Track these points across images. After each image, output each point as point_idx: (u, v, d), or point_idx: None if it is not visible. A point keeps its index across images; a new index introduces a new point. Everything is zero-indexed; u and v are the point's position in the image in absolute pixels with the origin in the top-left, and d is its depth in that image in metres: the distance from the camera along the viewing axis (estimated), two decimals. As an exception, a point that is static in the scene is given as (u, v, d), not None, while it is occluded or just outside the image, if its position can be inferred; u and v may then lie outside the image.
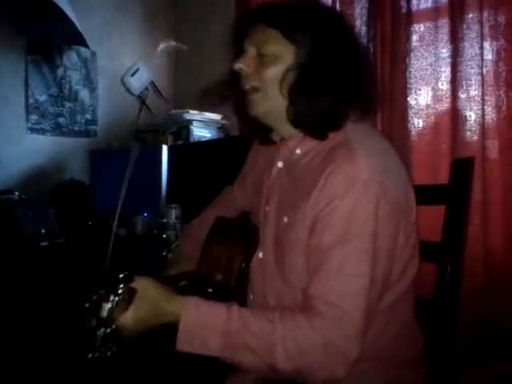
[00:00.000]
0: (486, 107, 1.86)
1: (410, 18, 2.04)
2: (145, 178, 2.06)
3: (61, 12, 2.09)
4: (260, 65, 1.02)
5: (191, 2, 2.94)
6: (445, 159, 1.94)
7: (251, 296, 1.10)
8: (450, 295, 1.11)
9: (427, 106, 2.03)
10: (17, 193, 2.11)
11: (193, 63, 2.90)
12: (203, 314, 0.90)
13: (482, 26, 1.86)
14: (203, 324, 0.89)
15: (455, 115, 1.92)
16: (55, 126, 2.45)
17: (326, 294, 0.89)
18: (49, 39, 2.39)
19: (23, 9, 2.21)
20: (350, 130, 0.99)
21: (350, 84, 0.99)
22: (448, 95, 1.96)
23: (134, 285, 0.87)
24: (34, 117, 2.37)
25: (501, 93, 1.84)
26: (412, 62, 2.03)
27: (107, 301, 0.83)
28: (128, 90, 2.74)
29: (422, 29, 2.05)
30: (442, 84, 1.99)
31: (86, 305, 0.86)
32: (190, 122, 2.42)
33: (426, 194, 1.16)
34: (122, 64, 2.73)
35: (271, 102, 1.02)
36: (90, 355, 0.83)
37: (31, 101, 2.35)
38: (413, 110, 2.04)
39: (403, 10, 2.05)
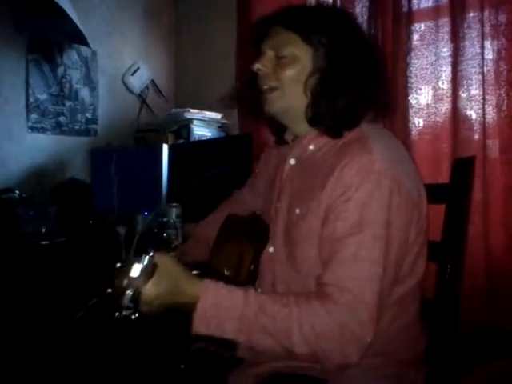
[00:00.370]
0: (486, 106, 1.85)
1: (410, 17, 2.04)
2: (145, 177, 2.07)
3: (61, 11, 2.09)
4: (277, 66, 1.05)
5: (191, 1, 2.94)
6: (445, 158, 1.94)
7: (259, 290, 1.10)
8: (451, 294, 1.11)
9: (428, 106, 2.03)
10: (17, 191, 2.11)
11: (193, 63, 2.91)
12: (221, 296, 0.91)
13: (482, 26, 1.86)
14: (221, 307, 0.90)
15: (456, 114, 1.92)
16: (55, 125, 2.45)
17: (341, 280, 0.91)
18: (49, 38, 2.38)
19: (24, 7, 2.21)
20: (364, 128, 1.03)
21: (367, 84, 1.03)
22: (449, 94, 1.96)
23: (156, 259, 0.88)
24: (34, 116, 2.36)
25: (501, 92, 1.84)
26: (413, 61, 2.03)
27: (140, 262, 0.85)
28: (128, 89, 2.73)
29: (422, 28, 2.05)
30: (443, 83, 1.99)
31: (118, 265, 0.88)
32: (191, 120, 2.41)
33: (426, 193, 1.16)
34: (122, 63, 2.73)
35: (288, 100, 1.05)
36: (117, 314, 0.84)
37: (32, 100, 2.35)
38: (413, 109, 2.04)
39: (404, 9, 2.05)
